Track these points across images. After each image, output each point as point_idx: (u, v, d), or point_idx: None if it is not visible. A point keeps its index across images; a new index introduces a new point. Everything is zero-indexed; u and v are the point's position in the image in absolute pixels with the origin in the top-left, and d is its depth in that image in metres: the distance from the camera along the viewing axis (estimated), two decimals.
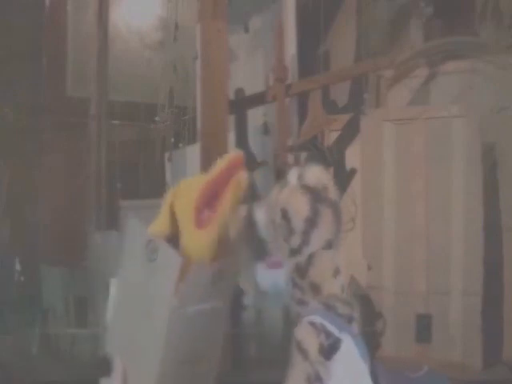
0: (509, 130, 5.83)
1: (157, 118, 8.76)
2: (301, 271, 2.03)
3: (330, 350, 1.96)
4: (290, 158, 6.78)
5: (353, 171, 6.21)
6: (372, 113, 6.30)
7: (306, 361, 1.94)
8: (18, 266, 8.22)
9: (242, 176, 2.43)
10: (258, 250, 2.22)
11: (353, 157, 6.29)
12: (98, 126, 8.21)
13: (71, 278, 7.25)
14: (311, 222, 1.99)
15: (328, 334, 1.96)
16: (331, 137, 6.64)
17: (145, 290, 2.54)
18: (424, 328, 5.59)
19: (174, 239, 2.49)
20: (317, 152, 6.52)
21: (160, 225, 2.49)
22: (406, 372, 2.21)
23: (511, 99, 5.83)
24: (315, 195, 2.02)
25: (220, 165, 2.46)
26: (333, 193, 2.07)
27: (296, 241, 2.01)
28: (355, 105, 6.75)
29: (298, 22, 7.48)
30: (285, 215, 2.01)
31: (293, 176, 2.07)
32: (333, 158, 6.29)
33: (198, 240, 2.38)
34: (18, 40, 8.66)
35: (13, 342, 6.49)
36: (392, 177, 5.86)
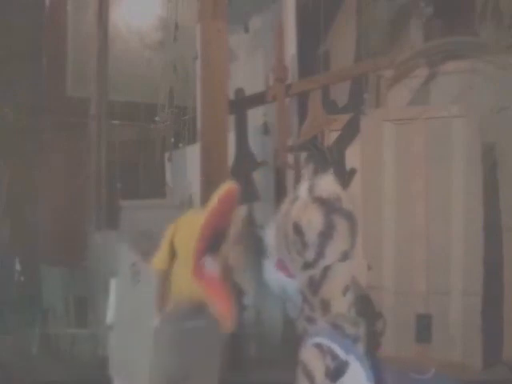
0: (509, 130, 5.83)
1: (157, 118, 8.76)
2: (314, 286, 1.98)
3: (336, 372, 1.92)
4: (290, 157, 6.79)
5: (353, 171, 6.21)
6: (372, 113, 6.30)
7: None
8: (17, 266, 8.22)
9: (239, 212, 2.51)
10: (258, 250, 2.20)
11: (353, 157, 6.29)
12: (98, 126, 8.21)
13: (71, 278, 7.25)
14: (326, 235, 1.94)
15: (334, 357, 1.92)
16: (331, 137, 6.64)
17: (133, 311, 2.60)
18: (424, 328, 5.57)
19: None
20: (317, 152, 6.52)
21: (161, 259, 2.58)
22: (411, 373, 2.20)
23: (511, 99, 5.83)
24: (328, 207, 1.97)
25: (215, 200, 2.55)
26: (346, 202, 2.02)
27: (310, 254, 1.96)
28: (355, 105, 6.76)
29: (298, 22, 7.48)
30: (297, 230, 1.95)
31: (303, 189, 2.01)
32: (333, 158, 6.29)
33: (192, 286, 2.46)
34: (17, 40, 8.67)
35: (13, 342, 6.49)
36: (392, 177, 5.86)
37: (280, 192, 6.81)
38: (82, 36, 8.98)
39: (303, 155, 6.76)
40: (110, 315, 6.42)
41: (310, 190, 1.99)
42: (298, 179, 6.70)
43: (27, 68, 8.90)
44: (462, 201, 5.68)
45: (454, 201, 5.69)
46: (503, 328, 5.67)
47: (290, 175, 6.81)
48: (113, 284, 6.44)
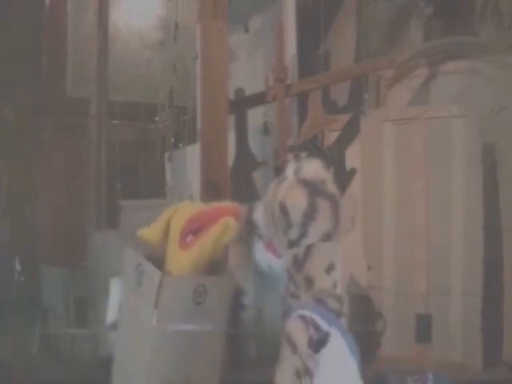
0: (509, 130, 5.83)
1: (157, 118, 8.75)
2: (298, 263, 2.08)
3: (318, 343, 1.99)
4: (290, 157, 6.78)
5: (353, 171, 6.21)
6: (372, 113, 6.30)
7: (296, 354, 1.97)
8: (17, 266, 8.22)
9: (232, 221, 2.52)
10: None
11: (353, 157, 6.29)
12: (98, 126, 8.21)
13: (71, 278, 7.25)
14: (309, 215, 2.04)
15: (317, 328, 2.00)
16: (331, 137, 6.64)
17: (136, 315, 2.58)
18: (424, 328, 5.59)
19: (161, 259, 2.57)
20: (317, 152, 6.52)
21: (152, 231, 2.57)
22: (411, 377, 2.25)
23: (511, 99, 5.82)
24: (312, 189, 2.06)
25: (219, 204, 2.58)
26: (331, 186, 2.12)
27: (294, 233, 2.06)
28: (355, 105, 6.75)
29: (298, 21, 7.47)
30: (283, 209, 2.06)
31: (290, 170, 2.13)
32: (333, 158, 6.28)
33: (179, 259, 2.47)
34: (17, 40, 8.66)
35: (13, 342, 6.48)
36: (392, 177, 5.86)
37: None
38: (82, 36, 8.97)
39: (303, 155, 6.76)
40: (111, 315, 6.42)
41: (297, 171, 2.11)
42: None
43: (27, 68, 8.90)
44: (462, 201, 5.67)
45: (454, 201, 5.69)
46: (503, 328, 5.66)
47: None
48: (113, 284, 6.45)
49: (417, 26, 7.18)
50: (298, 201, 2.05)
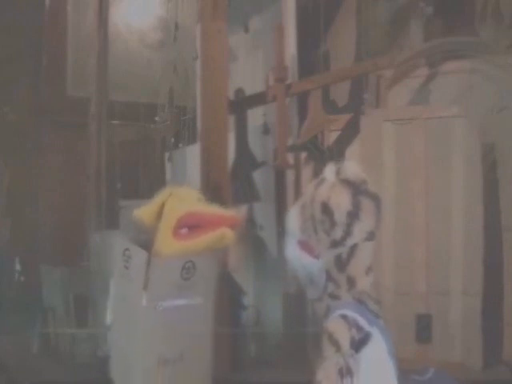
0: (509, 130, 5.83)
1: (157, 118, 8.76)
2: (341, 263, 2.11)
3: (360, 342, 2.02)
4: (290, 157, 6.79)
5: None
6: (372, 113, 6.30)
7: (338, 353, 1.99)
8: (18, 266, 8.22)
9: (229, 234, 2.54)
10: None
11: (353, 157, 6.29)
12: (98, 126, 8.21)
13: (71, 278, 7.25)
14: (353, 215, 2.07)
15: (359, 328, 2.03)
16: (331, 137, 6.64)
17: (126, 298, 2.60)
18: (424, 328, 5.59)
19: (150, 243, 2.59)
20: (317, 152, 6.52)
21: (146, 212, 2.61)
22: (413, 375, 2.25)
23: (511, 99, 5.83)
24: (355, 189, 2.10)
25: (220, 210, 2.61)
26: (371, 185, 2.15)
27: (338, 233, 2.08)
28: (355, 105, 6.75)
29: (297, 21, 7.47)
30: (326, 209, 2.07)
31: (330, 171, 2.14)
32: (333, 158, 6.28)
33: (170, 246, 2.51)
34: (17, 40, 8.66)
35: (13, 342, 6.49)
36: (392, 177, 5.86)
37: (280, 192, 6.81)
38: (81, 36, 8.98)
39: (303, 155, 6.76)
40: (111, 315, 6.42)
41: (338, 172, 2.12)
42: (298, 179, 6.71)
43: (27, 68, 8.91)
44: (462, 201, 5.68)
45: (453, 201, 5.69)
46: (503, 328, 5.66)
47: (289, 175, 6.80)
48: (113, 284, 6.45)
49: (417, 26, 7.18)
50: (342, 201, 2.07)
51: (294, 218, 2.18)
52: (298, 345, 5.73)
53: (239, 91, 7.17)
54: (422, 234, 5.71)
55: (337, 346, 1.99)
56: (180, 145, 8.45)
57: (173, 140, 8.58)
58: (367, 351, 2.03)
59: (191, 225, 2.57)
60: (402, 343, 5.46)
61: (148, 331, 2.52)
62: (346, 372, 1.97)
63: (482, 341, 5.51)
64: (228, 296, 5.59)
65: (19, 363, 6.13)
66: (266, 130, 7.11)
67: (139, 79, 9.12)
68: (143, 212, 2.66)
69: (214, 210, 2.66)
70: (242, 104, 7.12)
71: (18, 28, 8.66)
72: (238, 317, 6.21)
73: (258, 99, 7.06)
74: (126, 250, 2.59)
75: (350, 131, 6.42)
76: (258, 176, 7.04)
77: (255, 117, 7.30)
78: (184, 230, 2.55)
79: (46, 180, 8.76)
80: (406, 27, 7.30)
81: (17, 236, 8.47)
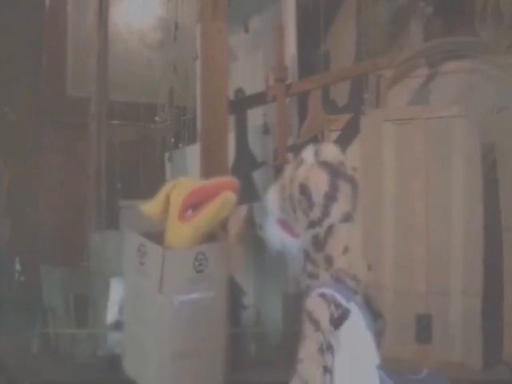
0: (509, 130, 5.83)
1: (157, 118, 8.76)
2: (318, 243, 2.14)
3: (339, 319, 2.06)
4: (290, 157, 6.79)
5: (353, 171, 6.20)
6: (372, 113, 6.30)
7: (318, 331, 2.03)
8: (17, 266, 8.22)
9: (231, 195, 2.57)
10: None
11: (353, 157, 6.29)
12: (98, 126, 8.21)
13: (71, 278, 7.25)
14: (331, 196, 2.11)
15: (337, 305, 2.07)
16: (331, 137, 6.64)
17: (141, 293, 2.61)
18: (424, 328, 5.58)
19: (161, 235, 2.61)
20: None
21: (153, 206, 2.63)
22: (407, 374, 2.26)
23: (511, 99, 5.83)
24: (333, 170, 2.14)
25: (217, 179, 2.64)
26: (348, 167, 2.19)
27: (316, 213, 2.12)
28: (355, 105, 6.75)
29: (297, 21, 7.47)
30: (304, 190, 2.11)
31: (309, 153, 2.18)
32: None
33: (178, 232, 2.53)
34: (17, 40, 8.67)
35: (13, 342, 6.49)
36: (392, 177, 5.86)
37: None
38: (82, 36, 8.98)
39: None
40: (111, 315, 6.42)
41: (316, 154, 2.16)
42: None
43: (27, 68, 8.91)
44: (462, 201, 5.68)
45: (453, 200, 5.69)
46: (503, 328, 5.66)
47: None
48: (113, 284, 6.45)
49: (417, 26, 7.18)
50: (320, 182, 2.11)
51: (273, 198, 2.21)
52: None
53: (239, 91, 7.17)
54: (422, 234, 5.71)
55: (317, 324, 2.03)
56: (180, 145, 8.46)
57: (173, 140, 8.58)
58: (347, 327, 2.07)
59: (195, 203, 2.59)
60: (402, 343, 5.48)
61: (164, 326, 2.53)
62: (326, 348, 2.02)
63: (482, 341, 5.51)
64: (228, 296, 5.58)
65: (19, 363, 6.13)
66: (266, 130, 7.11)
67: (139, 79, 9.13)
68: (150, 207, 2.68)
69: (213, 180, 2.68)
70: (242, 104, 7.12)
71: (18, 28, 8.67)
72: (238, 317, 6.21)
73: (258, 99, 7.06)
74: (141, 245, 2.60)
75: (350, 131, 6.42)
76: (258, 176, 7.04)
77: (255, 117, 7.30)
78: (189, 213, 2.58)
79: (46, 180, 8.76)
80: (406, 27, 7.31)
81: (17, 236, 8.47)
